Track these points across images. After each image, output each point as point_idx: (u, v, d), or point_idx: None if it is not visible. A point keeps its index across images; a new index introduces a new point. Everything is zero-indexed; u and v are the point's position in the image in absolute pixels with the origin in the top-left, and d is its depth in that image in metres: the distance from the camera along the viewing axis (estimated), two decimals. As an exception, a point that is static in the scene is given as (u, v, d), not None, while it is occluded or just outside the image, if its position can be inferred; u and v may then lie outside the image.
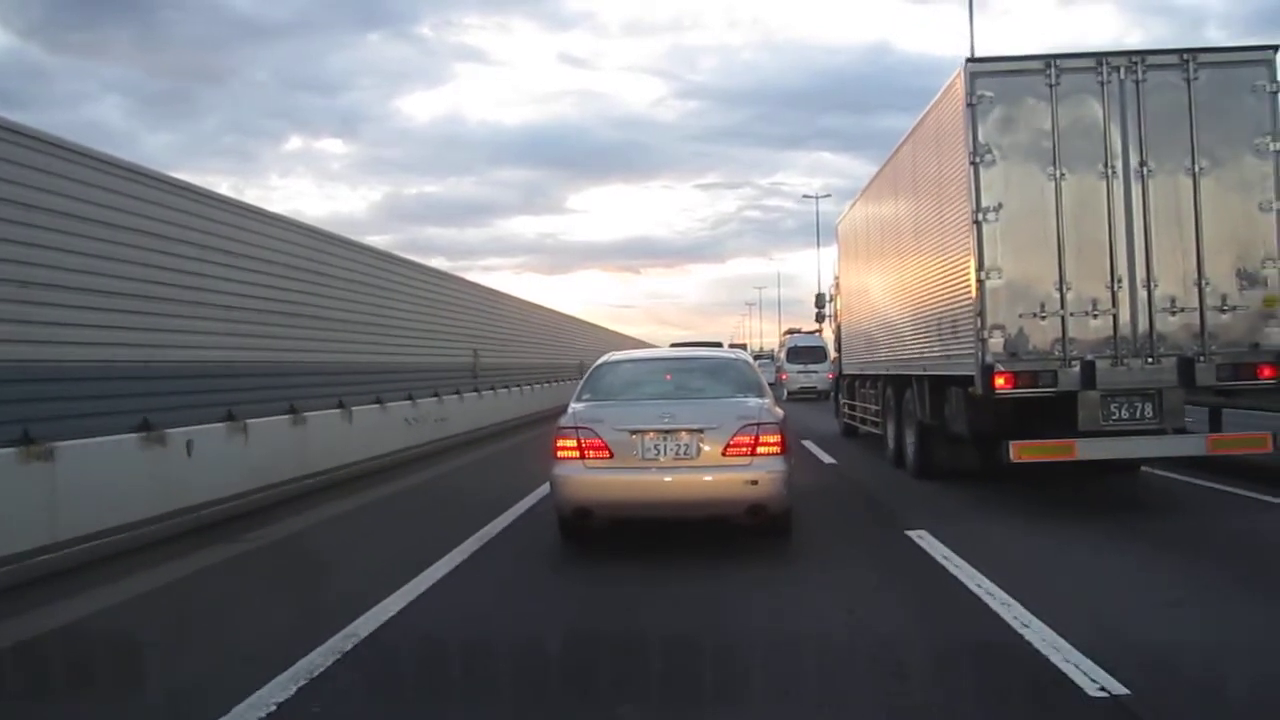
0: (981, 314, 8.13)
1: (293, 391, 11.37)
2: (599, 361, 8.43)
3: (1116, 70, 8.05)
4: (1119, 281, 8.03)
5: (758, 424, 6.79)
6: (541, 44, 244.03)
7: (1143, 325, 8.02)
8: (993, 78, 8.17)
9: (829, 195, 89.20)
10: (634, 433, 6.77)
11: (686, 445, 6.72)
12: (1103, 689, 3.91)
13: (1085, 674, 4.10)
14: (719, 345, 12.46)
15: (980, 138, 8.11)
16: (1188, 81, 7.97)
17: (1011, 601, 5.26)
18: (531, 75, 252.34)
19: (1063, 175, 8.05)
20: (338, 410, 12.39)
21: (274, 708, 3.99)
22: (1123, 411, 8.06)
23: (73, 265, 7.81)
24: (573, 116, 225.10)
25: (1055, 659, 4.33)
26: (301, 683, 4.27)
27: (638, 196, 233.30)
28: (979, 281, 8.14)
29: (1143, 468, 10.37)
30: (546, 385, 26.63)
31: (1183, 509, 8.72)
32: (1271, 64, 7.93)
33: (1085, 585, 5.96)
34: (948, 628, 5.12)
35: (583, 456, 6.84)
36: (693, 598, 5.78)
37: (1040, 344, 8.09)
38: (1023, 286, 8.12)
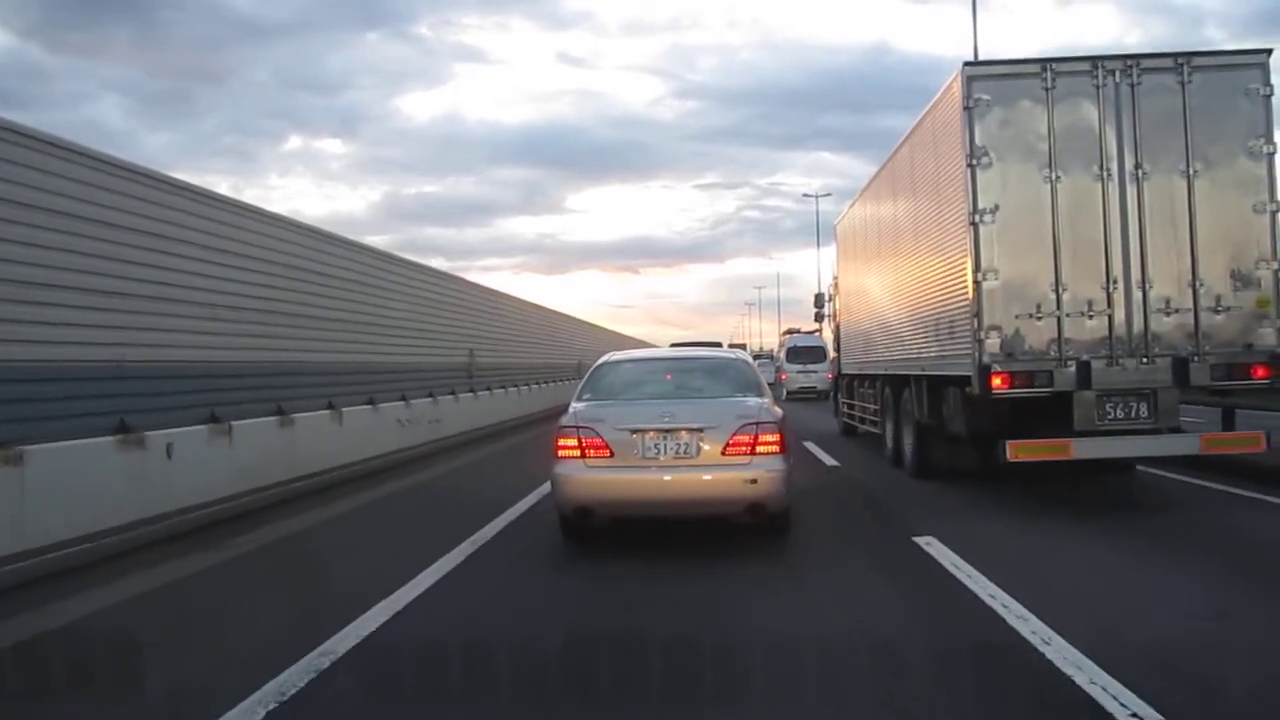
0: (978, 314, 8.22)
1: (280, 392, 11.08)
2: (599, 361, 8.50)
3: (1112, 73, 8.14)
4: (1114, 282, 8.12)
5: (757, 423, 6.87)
6: (540, 43, 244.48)
7: (1138, 326, 8.11)
8: (989, 81, 8.26)
9: (829, 194, 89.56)
10: (634, 432, 6.84)
11: (686, 444, 6.80)
12: (1135, 715, 3.71)
13: (1115, 699, 3.86)
14: (718, 345, 12.52)
15: (977, 140, 8.19)
16: (1182, 85, 8.06)
17: (1029, 615, 5.01)
18: (530, 75, 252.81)
19: (1058, 177, 8.14)
20: (327, 411, 12.08)
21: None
22: (1118, 411, 8.15)
23: (41, 260, 7.43)
24: (571, 116, 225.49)
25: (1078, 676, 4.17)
26: (271, 706, 4.02)
27: (637, 196, 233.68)
28: (976, 282, 8.22)
29: (1138, 467, 10.46)
30: (544, 385, 26.50)
31: (1178, 507, 8.78)
32: (1265, 67, 8.03)
33: (1085, 583, 5.99)
34: (952, 631, 5.05)
35: (584, 455, 6.91)
36: (693, 597, 5.78)
37: (1036, 344, 8.18)
38: (1019, 287, 8.21)
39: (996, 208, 8.19)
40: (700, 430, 6.81)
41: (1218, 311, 8.07)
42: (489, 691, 4.26)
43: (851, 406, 16.21)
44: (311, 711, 4.05)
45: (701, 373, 8.20)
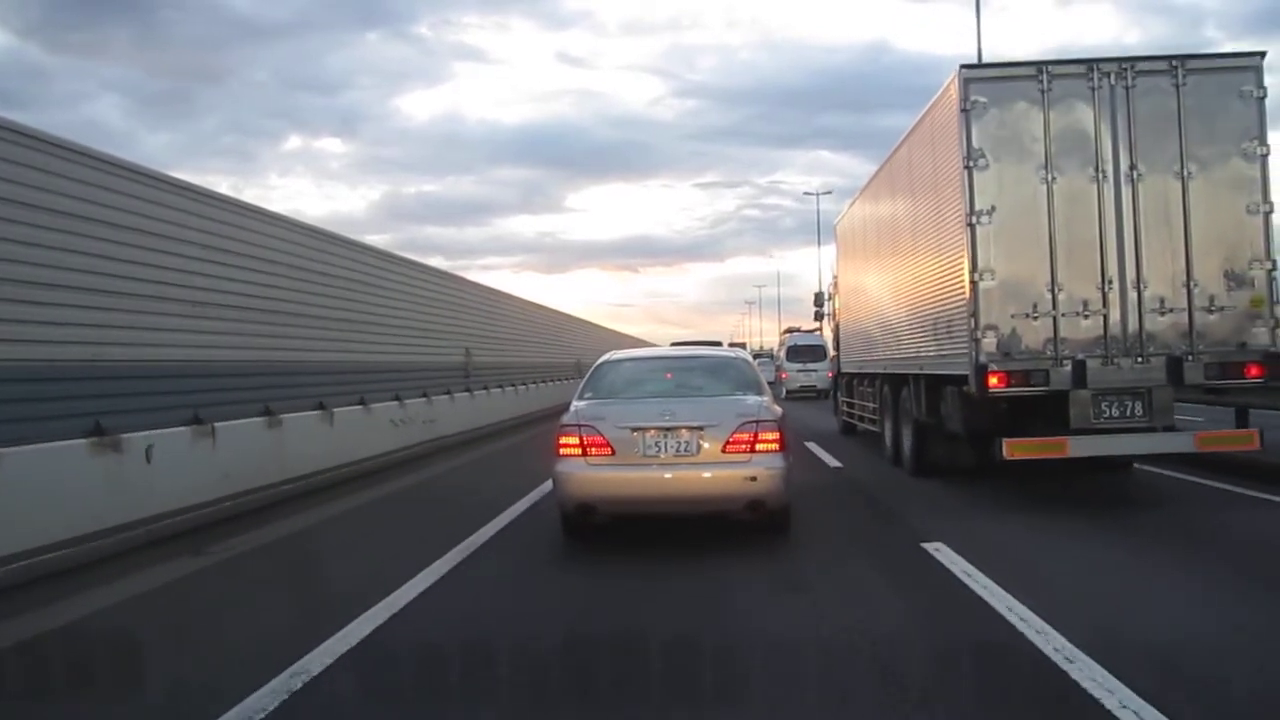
0: (975, 314, 8.31)
1: (268, 392, 10.76)
2: (600, 360, 8.59)
3: (1107, 76, 8.24)
4: (1109, 282, 8.21)
5: (756, 421, 6.95)
6: (540, 43, 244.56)
7: (1132, 325, 8.21)
8: (986, 83, 8.35)
9: (830, 192, 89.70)
10: (635, 430, 6.92)
11: (687, 442, 6.88)
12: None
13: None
14: (718, 344, 12.60)
15: (974, 142, 8.29)
16: (1177, 87, 8.15)
17: (1049, 630, 4.75)
18: (530, 74, 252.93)
19: (1054, 179, 8.23)
20: (317, 412, 11.78)
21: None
22: (1113, 410, 8.24)
23: (12, 255, 7.12)
24: (571, 116, 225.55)
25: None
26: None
27: (636, 195, 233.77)
28: (973, 282, 8.32)
29: (1135, 465, 10.54)
30: (542, 385, 26.33)
31: (1174, 503, 8.85)
32: (1258, 70, 8.12)
33: (1101, 590, 5.95)
34: (970, 647, 4.74)
35: (585, 453, 6.99)
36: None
37: (1033, 344, 8.27)
38: (1015, 287, 8.30)
39: (993, 209, 8.28)
40: (700, 428, 6.90)
41: (1212, 311, 8.16)
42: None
43: (851, 405, 16.30)
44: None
45: (701, 371, 8.28)
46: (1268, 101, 8.15)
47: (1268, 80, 8.16)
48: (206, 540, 7.86)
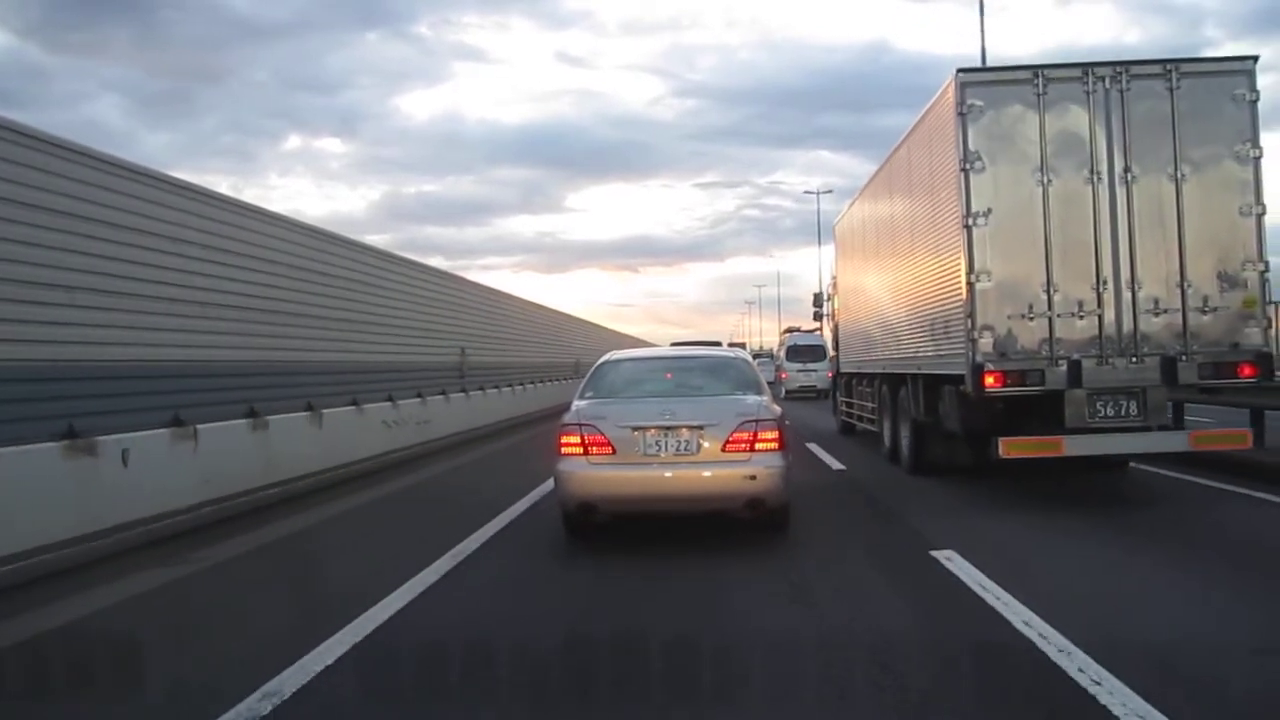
0: (972, 315, 8.41)
1: (254, 393, 10.37)
2: (601, 360, 8.67)
3: (1102, 80, 8.34)
4: (1104, 283, 8.31)
5: (756, 420, 7.04)
6: (540, 43, 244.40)
7: (1127, 326, 8.31)
8: (982, 87, 8.46)
9: (830, 191, 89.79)
10: (636, 429, 7.00)
11: (687, 441, 6.97)
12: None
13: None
14: (718, 344, 12.68)
15: (970, 145, 8.39)
16: (1170, 90, 8.25)
17: (1073, 649, 4.45)
18: (530, 74, 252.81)
19: (1050, 181, 8.33)
20: (306, 413, 11.38)
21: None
22: (1108, 409, 8.34)
23: None
24: (571, 115, 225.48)
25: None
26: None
27: (636, 195, 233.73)
28: (969, 284, 8.42)
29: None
30: (540, 385, 26.07)
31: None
32: (1251, 74, 8.23)
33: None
34: (986, 665, 4.52)
35: (586, 452, 7.07)
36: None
37: (1028, 344, 8.38)
38: (1011, 288, 8.40)
39: (989, 210, 8.38)
40: (700, 427, 6.98)
41: (1205, 312, 8.26)
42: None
43: (850, 405, 16.40)
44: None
45: (701, 371, 8.37)
46: (1262, 105, 8.27)
47: (1264, 81, 8.29)
48: (184, 547, 7.59)
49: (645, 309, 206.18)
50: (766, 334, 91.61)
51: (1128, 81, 8.32)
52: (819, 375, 30.48)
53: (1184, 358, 8.24)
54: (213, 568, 7.08)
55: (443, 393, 17.08)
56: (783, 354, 35.57)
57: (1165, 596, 5.71)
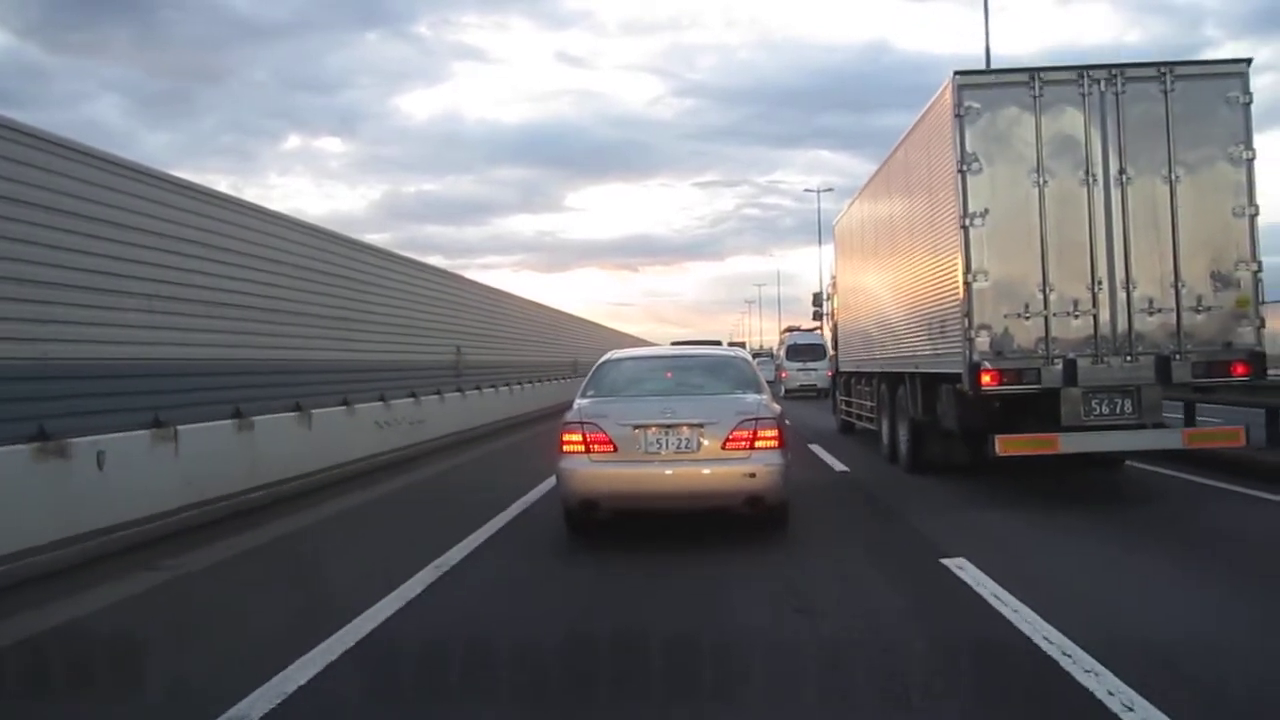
0: (969, 314, 8.52)
1: (239, 393, 10.01)
2: (602, 359, 8.76)
3: (1097, 82, 8.45)
4: (1099, 283, 8.42)
5: (756, 419, 7.13)
6: (539, 43, 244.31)
7: (1122, 325, 8.42)
8: (979, 89, 8.57)
9: (831, 189, 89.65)
10: (637, 427, 7.09)
11: (687, 439, 7.06)
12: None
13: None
14: (718, 343, 12.74)
15: (967, 146, 8.50)
16: (1165, 93, 8.37)
17: (1102, 671, 4.13)
18: (529, 74, 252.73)
19: (1046, 182, 8.45)
20: (294, 413, 11.03)
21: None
22: (1103, 407, 8.46)
23: None
24: (571, 115, 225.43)
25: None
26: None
27: (636, 195, 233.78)
28: (966, 283, 8.53)
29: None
30: (538, 384, 25.80)
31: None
32: (1244, 76, 8.35)
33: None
34: (1000, 676, 4.37)
35: (588, 450, 7.15)
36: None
37: (1025, 343, 8.49)
38: (1008, 288, 8.51)
39: (986, 211, 8.49)
40: (701, 426, 7.08)
41: (1199, 311, 8.37)
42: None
43: (849, 404, 16.50)
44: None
45: (702, 370, 8.46)
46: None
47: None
48: (162, 553, 7.28)
49: (645, 308, 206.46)
50: (766, 333, 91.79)
51: (1123, 84, 8.43)
52: (819, 374, 30.48)
53: (1178, 357, 8.35)
54: (191, 574, 6.78)
55: (438, 392, 16.78)
56: (783, 353, 35.60)
57: (1179, 601, 5.52)
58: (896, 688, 4.09)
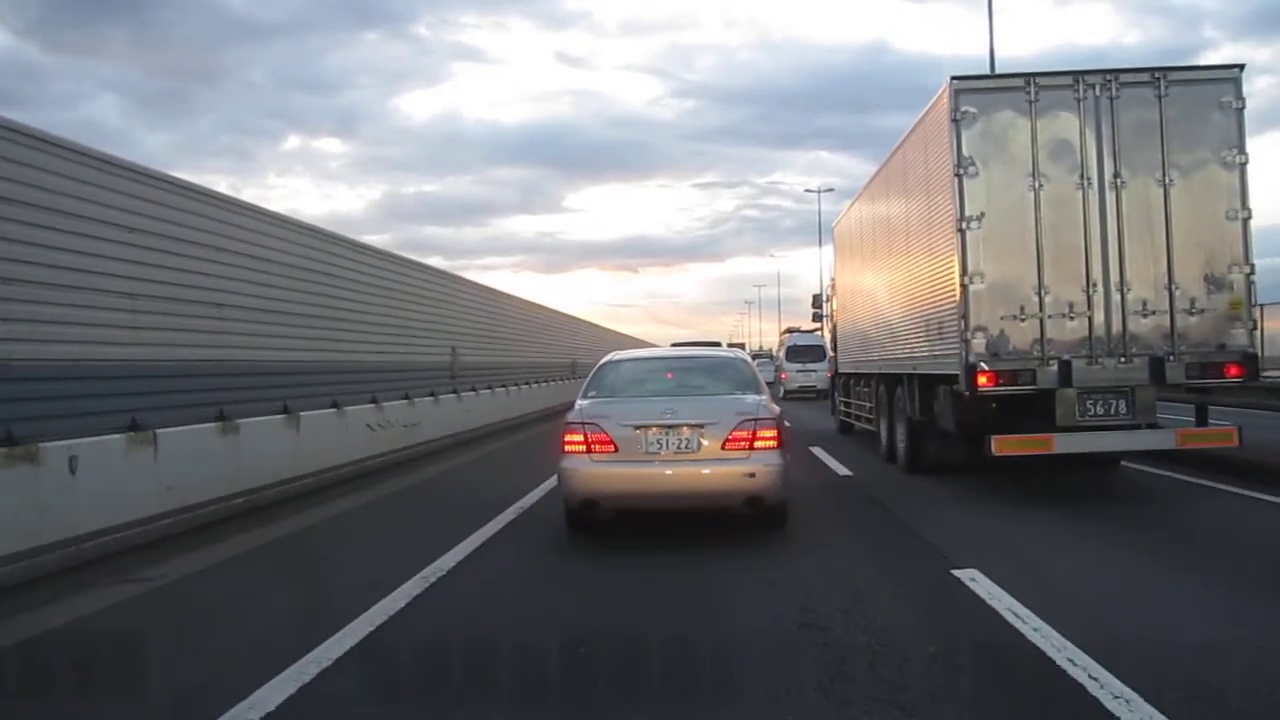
0: (965, 316, 8.64)
1: (221, 395, 9.63)
2: (603, 360, 8.86)
3: (1092, 87, 8.57)
4: (1094, 285, 8.54)
5: (755, 419, 7.22)
6: (538, 43, 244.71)
7: (1116, 326, 8.53)
8: (976, 94, 8.68)
9: (831, 189, 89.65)
10: (638, 428, 7.18)
11: (687, 440, 7.15)
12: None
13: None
14: (718, 345, 12.73)
15: (964, 150, 8.61)
16: (1159, 98, 8.48)
17: (1126, 692, 3.93)
18: (528, 74, 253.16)
19: (1041, 185, 8.56)
20: (281, 416, 10.67)
21: None
22: (1098, 408, 8.57)
23: None
24: (570, 116, 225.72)
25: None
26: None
27: (635, 196, 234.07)
28: (963, 285, 8.64)
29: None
30: (536, 386, 25.52)
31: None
32: (1237, 82, 8.46)
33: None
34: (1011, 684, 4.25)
35: (589, 450, 7.25)
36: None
37: (1020, 344, 8.60)
38: (1004, 290, 8.63)
39: (982, 214, 8.61)
40: (701, 426, 7.16)
41: (1192, 313, 8.49)
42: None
43: (848, 404, 16.61)
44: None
45: (701, 371, 8.55)
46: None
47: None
48: (138, 563, 6.96)
49: (644, 309, 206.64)
50: (766, 334, 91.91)
51: (1117, 89, 8.54)
52: (819, 375, 30.46)
53: (1171, 358, 8.47)
54: (168, 585, 6.45)
55: (432, 394, 16.40)
56: (782, 354, 35.64)
57: (1204, 613, 5.26)
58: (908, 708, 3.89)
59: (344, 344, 13.42)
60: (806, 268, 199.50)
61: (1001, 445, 8.53)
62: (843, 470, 11.94)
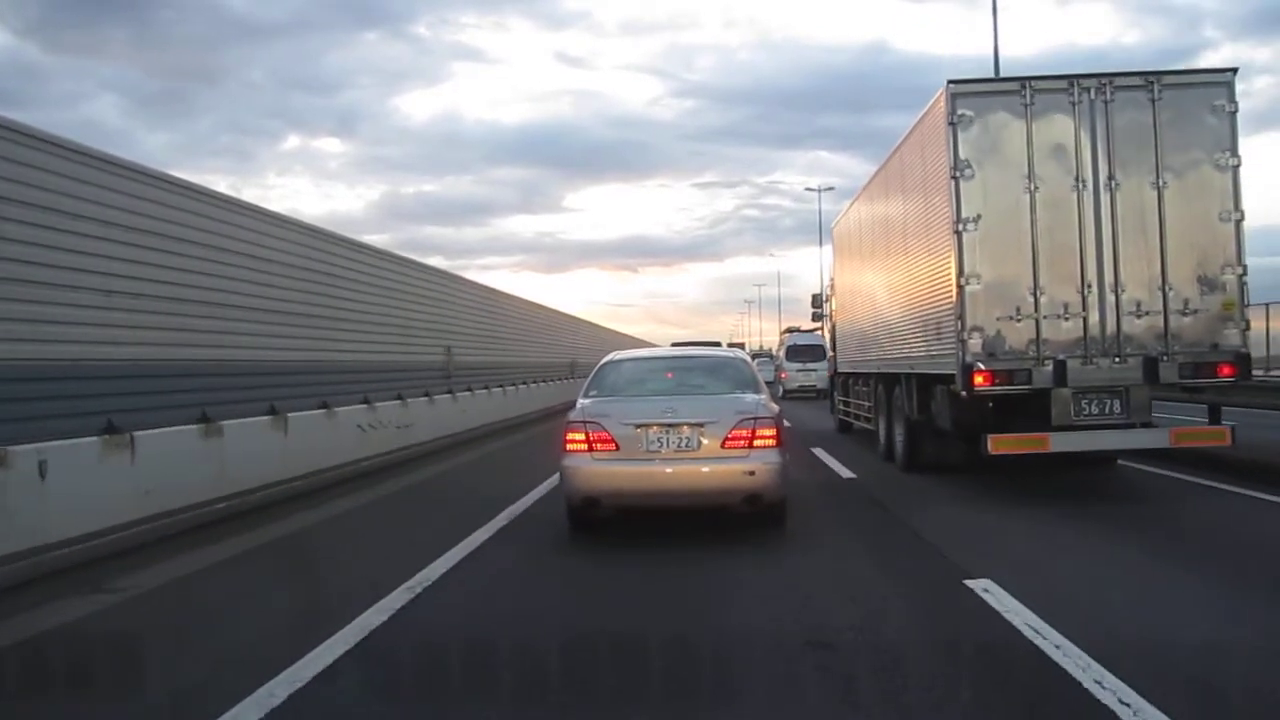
0: (961, 317, 8.75)
1: (204, 396, 9.27)
2: (604, 360, 8.97)
3: (1087, 90, 8.68)
4: (1089, 286, 8.65)
5: (754, 418, 7.32)
6: (538, 43, 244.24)
7: (1110, 327, 8.65)
8: (972, 98, 8.80)
9: (832, 188, 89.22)
10: (639, 426, 7.29)
11: (688, 438, 7.26)
12: None
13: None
14: (718, 344, 12.78)
15: (960, 153, 8.72)
16: (1153, 101, 8.60)
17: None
18: (528, 74, 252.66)
19: (1037, 188, 8.67)
20: (267, 418, 10.29)
21: None
22: (1092, 407, 8.69)
23: None
24: (569, 115, 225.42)
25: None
26: None
27: (635, 195, 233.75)
28: (959, 286, 8.75)
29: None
30: (533, 385, 25.28)
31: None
32: (1230, 85, 8.58)
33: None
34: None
35: (591, 449, 7.35)
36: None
37: (1016, 344, 8.71)
38: (1000, 291, 8.74)
39: (979, 216, 8.72)
40: (701, 425, 7.27)
41: (1186, 314, 8.60)
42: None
43: (847, 404, 16.72)
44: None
45: (701, 371, 8.65)
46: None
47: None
48: (111, 572, 6.60)
49: (644, 309, 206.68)
50: (766, 334, 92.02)
51: (1112, 92, 8.66)
52: (819, 375, 30.42)
53: (1165, 358, 8.58)
54: (143, 595, 6.15)
55: (426, 394, 16.04)
56: (782, 354, 35.67)
57: (1237, 627, 5.06)
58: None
59: (335, 343, 13.15)
60: (806, 267, 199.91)
61: (997, 444, 8.64)
62: (846, 473, 11.76)
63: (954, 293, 8.83)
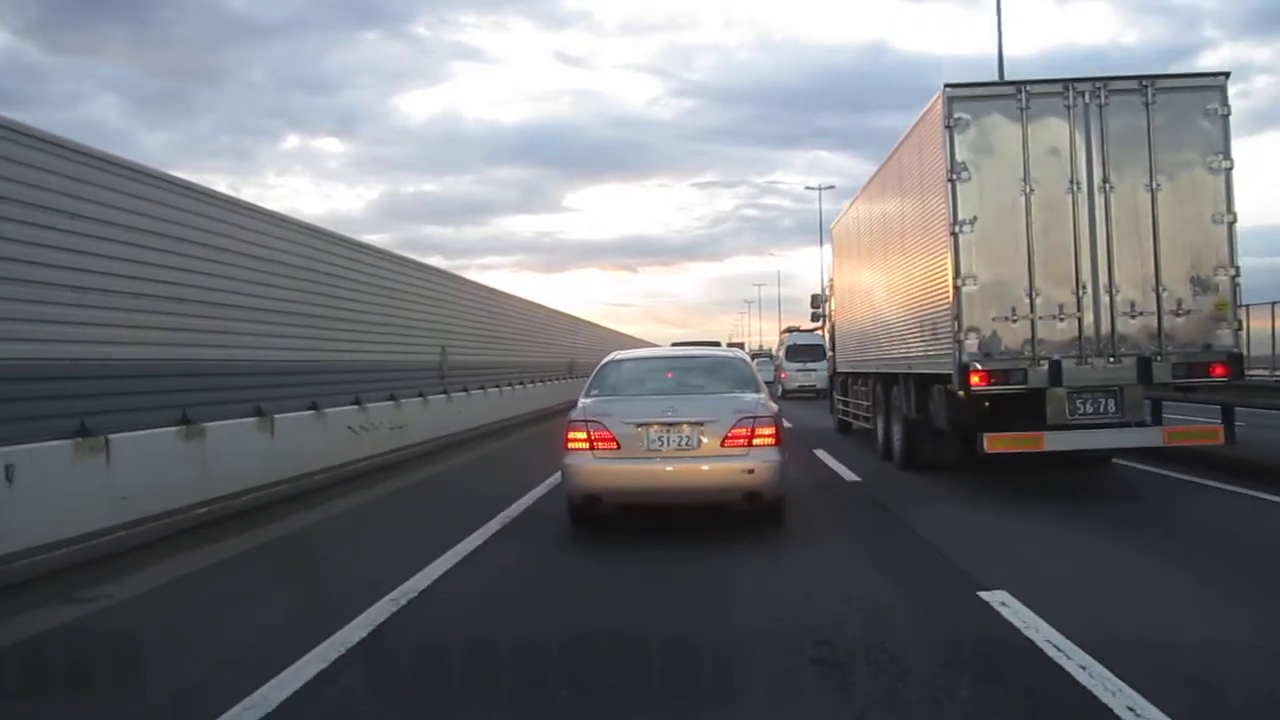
0: (958, 317, 8.87)
1: (186, 396, 8.96)
2: (605, 360, 9.07)
3: (1082, 94, 8.80)
4: (1083, 287, 8.76)
5: (754, 417, 7.44)
6: (538, 43, 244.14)
7: (1105, 327, 8.76)
8: (969, 101, 8.91)
9: (832, 187, 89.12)
10: (639, 425, 7.40)
11: (688, 437, 7.37)
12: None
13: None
14: (717, 344, 12.85)
15: (957, 156, 8.84)
16: (1146, 105, 8.71)
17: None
18: (528, 74, 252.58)
19: (1032, 190, 8.78)
20: (253, 419, 10.02)
21: None
22: (1087, 407, 8.82)
23: None
24: (569, 115, 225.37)
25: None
26: None
27: (634, 195, 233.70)
28: (956, 287, 8.87)
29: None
30: (531, 385, 25.18)
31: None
32: (1223, 89, 8.70)
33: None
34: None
35: (592, 447, 7.46)
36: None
37: (1012, 345, 8.83)
38: (996, 292, 8.85)
39: (975, 218, 8.83)
40: (701, 424, 7.38)
41: (1179, 314, 8.72)
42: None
43: (845, 404, 16.83)
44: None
45: (701, 370, 8.75)
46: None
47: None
48: (84, 581, 6.32)
49: (644, 309, 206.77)
50: (766, 334, 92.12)
51: (1106, 96, 8.77)
52: (818, 375, 30.41)
53: (1159, 358, 8.70)
54: (117, 606, 5.87)
55: (420, 394, 15.72)
56: (782, 354, 35.73)
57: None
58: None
59: (325, 343, 12.84)
60: (806, 267, 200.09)
61: (993, 443, 8.76)
62: (845, 472, 11.72)
63: (951, 293, 8.94)
